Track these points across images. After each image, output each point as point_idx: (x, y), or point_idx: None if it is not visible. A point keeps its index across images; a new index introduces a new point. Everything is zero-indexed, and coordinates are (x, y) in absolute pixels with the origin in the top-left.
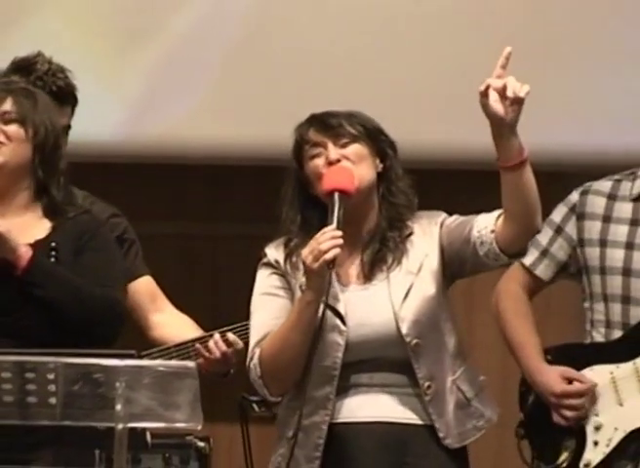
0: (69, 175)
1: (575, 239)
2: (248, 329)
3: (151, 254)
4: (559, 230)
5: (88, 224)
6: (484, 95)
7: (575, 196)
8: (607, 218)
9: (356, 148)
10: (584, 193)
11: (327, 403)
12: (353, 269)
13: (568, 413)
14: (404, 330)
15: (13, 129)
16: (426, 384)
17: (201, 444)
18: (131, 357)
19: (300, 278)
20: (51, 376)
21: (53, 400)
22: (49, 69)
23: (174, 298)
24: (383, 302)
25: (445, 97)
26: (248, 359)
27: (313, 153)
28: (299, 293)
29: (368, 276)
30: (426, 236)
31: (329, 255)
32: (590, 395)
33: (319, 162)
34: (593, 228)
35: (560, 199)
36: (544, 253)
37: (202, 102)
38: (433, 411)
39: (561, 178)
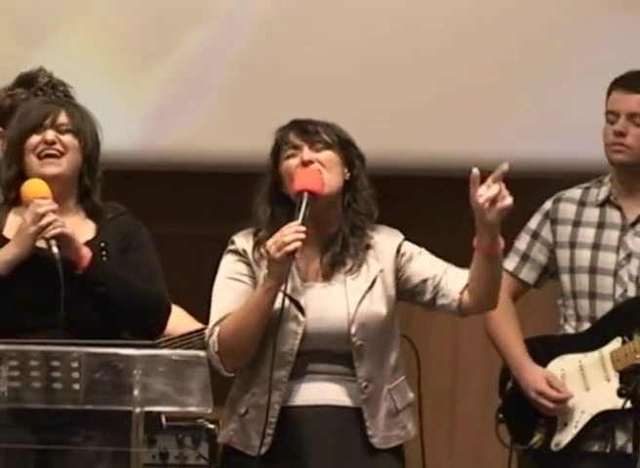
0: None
1: (551, 242)
2: None
3: (164, 254)
4: (535, 236)
5: (129, 225)
6: (475, 201)
7: (548, 204)
8: (577, 223)
9: (329, 155)
10: (557, 201)
11: (281, 385)
12: (314, 268)
13: (543, 409)
14: (353, 330)
15: (68, 139)
16: (364, 384)
17: (211, 426)
18: (147, 347)
19: (265, 268)
20: (74, 365)
21: (76, 386)
22: (48, 82)
23: (184, 293)
24: (340, 302)
25: (446, 112)
26: (207, 335)
27: (289, 154)
28: (262, 282)
29: (327, 276)
30: (384, 253)
31: (290, 247)
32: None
33: (293, 162)
34: (564, 232)
35: (534, 204)
36: (525, 257)
37: (211, 115)
38: (366, 411)
39: (537, 184)
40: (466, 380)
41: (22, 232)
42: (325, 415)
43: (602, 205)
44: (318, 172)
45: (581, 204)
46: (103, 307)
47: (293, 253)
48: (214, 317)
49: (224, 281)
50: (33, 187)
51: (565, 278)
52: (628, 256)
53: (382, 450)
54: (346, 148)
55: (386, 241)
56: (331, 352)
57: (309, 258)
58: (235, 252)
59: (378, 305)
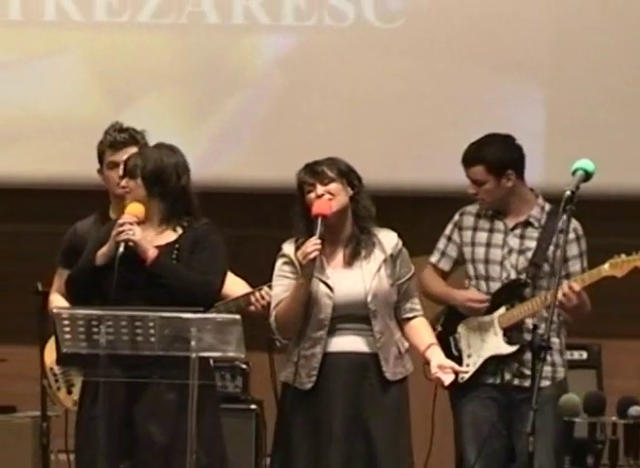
0: None
1: (459, 242)
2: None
3: None
4: (449, 239)
5: (203, 232)
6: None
7: (456, 216)
8: (475, 228)
9: (334, 186)
10: (462, 214)
11: (320, 341)
12: (339, 259)
13: (475, 310)
14: (369, 299)
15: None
16: (378, 336)
17: (244, 366)
18: (199, 312)
19: None
20: (151, 324)
21: (152, 339)
22: (114, 128)
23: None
24: (358, 282)
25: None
26: (270, 317)
27: (308, 190)
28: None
29: (349, 263)
30: (385, 246)
31: (312, 256)
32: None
33: (312, 195)
34: (467, 235)
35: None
36: (443, 253)
37: (244, 155)
38: (381, 355)
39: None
40: None
41: (112, 236)
42: (351, 358)
43: (492, 217)
44: (328, 200)
45: (477, 216)
46: (165, 290)
47: (314, 259)
48: (273, 303)
49: (277, 278)
50: (130, 208)
51: (469, 266)
52: (510, 251)
53: (392, 382)
54: (347, 175)
55: (386, 238)
56: (354, 315)
57: (335, 253)
58: (283, 255)
59: (383, 282)
